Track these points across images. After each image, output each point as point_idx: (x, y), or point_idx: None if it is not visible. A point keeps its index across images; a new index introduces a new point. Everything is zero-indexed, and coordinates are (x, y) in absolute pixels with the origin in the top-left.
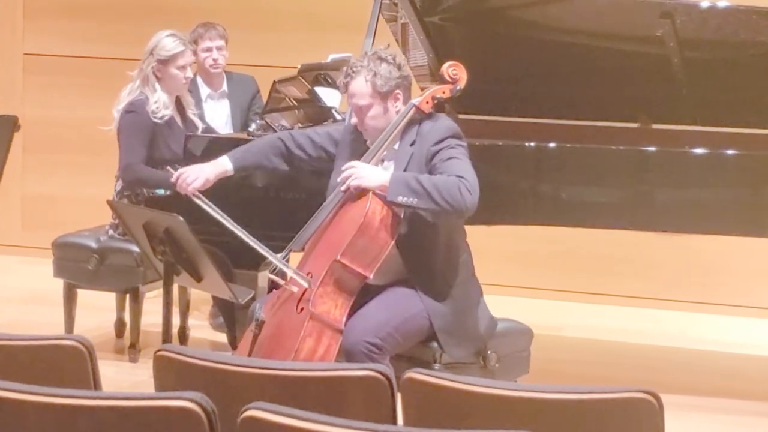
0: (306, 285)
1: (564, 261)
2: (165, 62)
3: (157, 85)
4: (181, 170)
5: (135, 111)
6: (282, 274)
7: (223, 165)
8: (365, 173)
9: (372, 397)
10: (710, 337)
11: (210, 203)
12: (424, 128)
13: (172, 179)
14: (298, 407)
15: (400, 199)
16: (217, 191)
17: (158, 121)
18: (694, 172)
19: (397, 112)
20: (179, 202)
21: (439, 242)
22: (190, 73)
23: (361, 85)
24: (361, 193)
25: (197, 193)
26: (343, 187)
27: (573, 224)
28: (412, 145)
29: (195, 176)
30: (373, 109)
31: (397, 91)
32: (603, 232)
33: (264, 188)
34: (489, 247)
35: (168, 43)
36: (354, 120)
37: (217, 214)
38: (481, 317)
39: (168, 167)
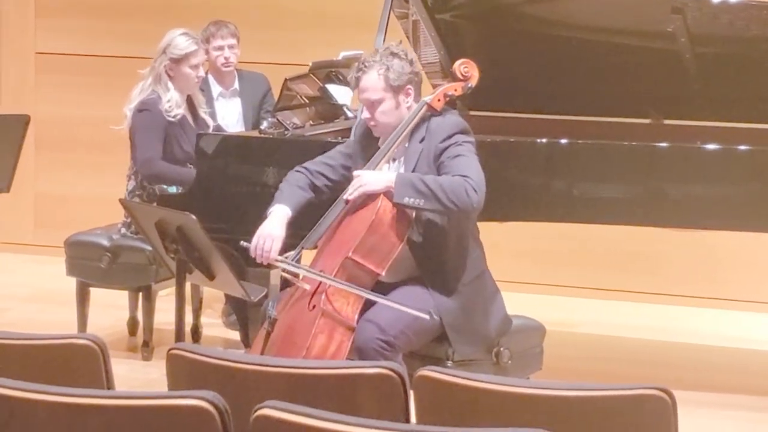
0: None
1: (576, 257)
2: (178, 61)
3: (169, 84)
4: (253, 243)
5: (148, 109)
6: (294, 272)
7: (284, 213)
8: (369, 179)
9: (384, 395)
10: (723, 333)
11: (292, 262)
12: (433, 124)
13: (251, 254)
14: (310, 405)
15: (407, 200)
16: (231, 191)
17: (171, 119)
18: (705, 167)
19: (408, 108)
20: (191, 201)
21: (450, 239)
22: (202, 72)
23: (373, 79)
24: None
25: (278, 257)
26: (350, 197)
27: (585, 220)
28: (421, 141)
29: (270, 241)
30: (385, 103)
31: (409, 86)
32: (615, 228)
33: (276, 187)
34: (501, 243)
35: (181, 42)
36: (365, 115)
37: (301, 270)
38: (494, 316)
39: (242, 242)
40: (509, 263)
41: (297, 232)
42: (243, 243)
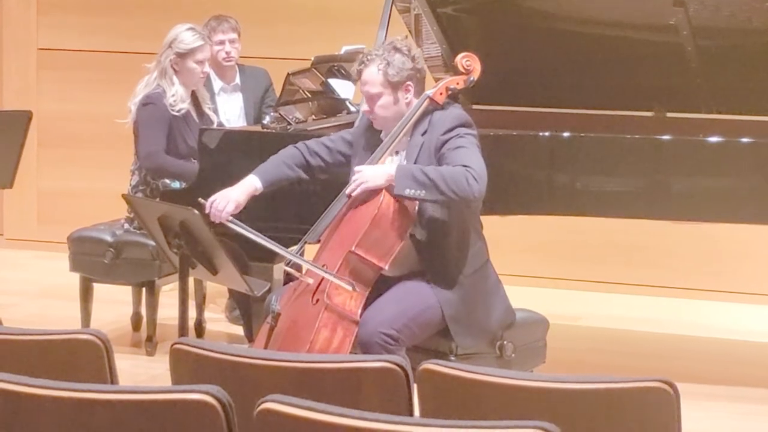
0: (349, 288)
1: (580, 251)
2: (183, 56)
3: (174, 78)
4: (211, 199)
5: (153, 103)
6: (298, 266)
7: (252, 183)
8: (370, 175)
9: (388, 389)
10: (727, 325)
11: (244, 225)
12: (435, 117)
13: (205, 210)
14: (314, 399)
15: (407, 191)
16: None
17: (175, 114)
18: (709, 160)
19: (407, 104)
20: (194, 196)
21: (452, 232)
22: (207, 68)
23: (373, 73)
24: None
25: (230, 218)
26: (351, 192)
27: (588, 214)
28: (423, 134)
29: (225, 202)
30: (383, 99)
31: (409, 82)
32: (618, 221)
33: None
34: (505, 237)
35: (187, 36)
36: (364, 107)
37: (252, 234)
38: (496, 308)
39: (200, 199)
40: (513, 257)
41: (301, 226)
42: (200, 200)
